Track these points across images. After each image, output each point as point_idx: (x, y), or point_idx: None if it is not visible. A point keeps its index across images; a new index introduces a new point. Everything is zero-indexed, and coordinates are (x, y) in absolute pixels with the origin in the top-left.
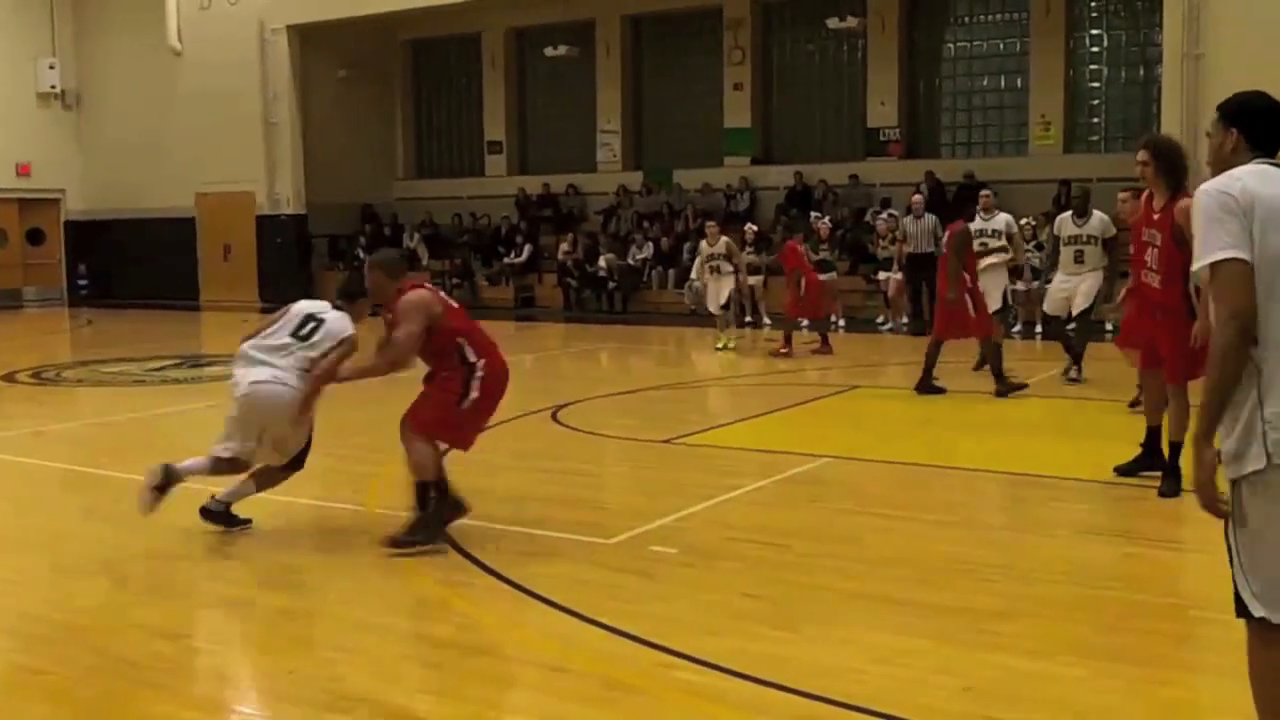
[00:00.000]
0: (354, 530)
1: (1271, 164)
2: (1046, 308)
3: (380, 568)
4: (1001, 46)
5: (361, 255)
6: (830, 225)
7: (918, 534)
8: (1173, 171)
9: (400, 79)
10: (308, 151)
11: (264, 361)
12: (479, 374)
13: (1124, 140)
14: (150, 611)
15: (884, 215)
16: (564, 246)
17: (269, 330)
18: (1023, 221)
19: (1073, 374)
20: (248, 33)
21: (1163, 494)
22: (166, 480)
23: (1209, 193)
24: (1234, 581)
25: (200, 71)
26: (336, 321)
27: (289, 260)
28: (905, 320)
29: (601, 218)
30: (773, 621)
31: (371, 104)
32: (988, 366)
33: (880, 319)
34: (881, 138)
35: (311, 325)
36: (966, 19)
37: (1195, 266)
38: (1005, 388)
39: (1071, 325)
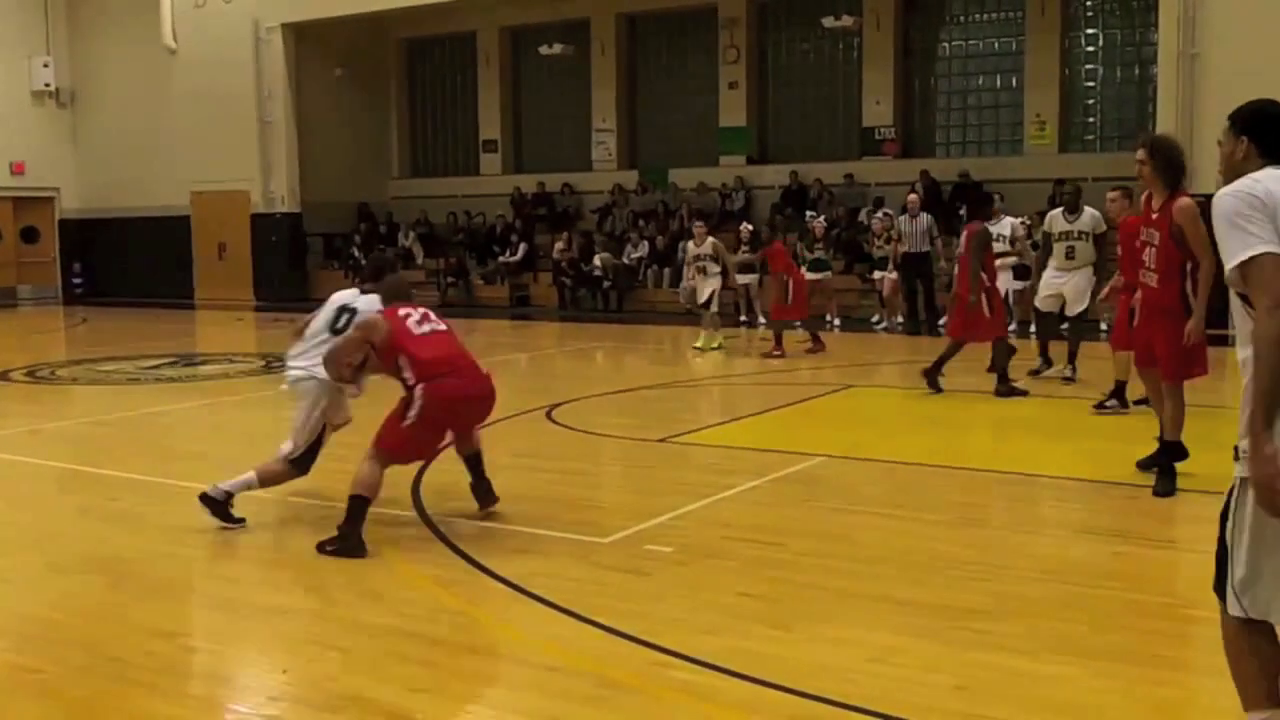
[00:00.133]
0: None
1: None
2: (1038, 304)
3: (374, 566)
4: (997, 45)
5: (356, 254)
6: (825, 224)
7: (912, 533)
8: (1170, 171)
9: (395, 77)
10: (303, 150)
11: (303, 353)
12: (417, 398)
13: (1119, 140)
14: (144, 610)
15: (879, 214)
16: (559, 245)
17: (310, 327)
18: (1017, 220)
19: (1067, 373)
20: (243, 31)
21: (1157, 493)
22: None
23: (1232, 195)
24: (1220, 569)
25: (195, 70)
26: (367, 305)
27: (284, 259)
28: (900, 319)
29: (597, 216)
30: (767, 620)
31: (366, 103)
32: (995, 364)
33: (875, 318)
34: (877, 137)
35: (345, 317)
36: (962, 18)
37: (1229, 268)
38: (1005, 389)
39: (1065, 325)
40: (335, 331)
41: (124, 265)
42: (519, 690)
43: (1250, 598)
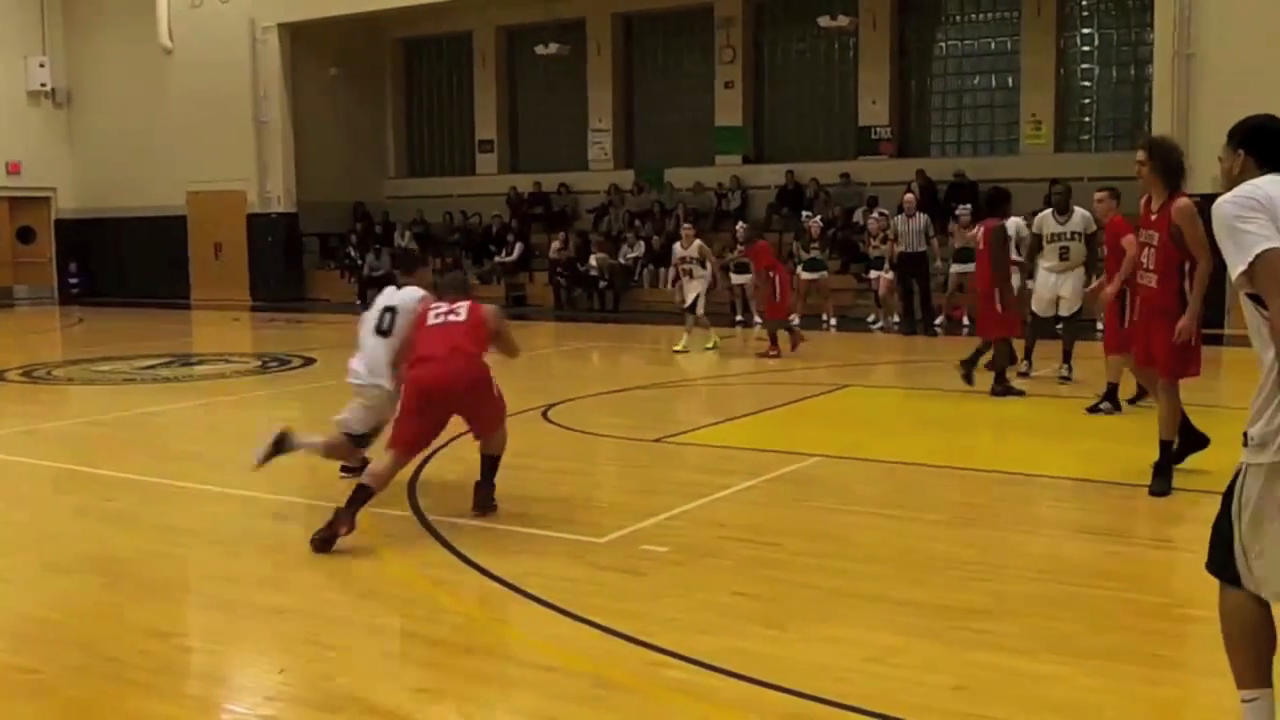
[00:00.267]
0: None
1: None
2: (1035, 307)
3: (370, 567)
4: (993, 45)
5: (352, 253)
6: (821, 224)
7: (908, 532)
8: (1169, 172)
9: (391, 77)
10: (299, 150)
11: (361, 359)
12: (402, 386)
13: (1115, 139)
14: (140, 610)
15: (875, 214)
16: (555, 245)
17: (360, 337)
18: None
19: (1063, 372)
20: (239, 31)
21: (1153, 492)
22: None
23: (1230, 200)
24: (1220, 545)
25: (191, 70)
26: (406, 299)
27: (280, 259)
28: (896, 319)
29: (593, 216)
30: (764, 620)
31: (362, 102)
32: (994, 363)
33: (871, 318)
34: (873, 136)
35: (388, 317)
36: (958, 17)
37: (1236, 272)
38: (1001, 389)
39: (1059, 325)
40: (381, 333)
41: (120, 265)
42: (516, 690)
43: (1252, 575)
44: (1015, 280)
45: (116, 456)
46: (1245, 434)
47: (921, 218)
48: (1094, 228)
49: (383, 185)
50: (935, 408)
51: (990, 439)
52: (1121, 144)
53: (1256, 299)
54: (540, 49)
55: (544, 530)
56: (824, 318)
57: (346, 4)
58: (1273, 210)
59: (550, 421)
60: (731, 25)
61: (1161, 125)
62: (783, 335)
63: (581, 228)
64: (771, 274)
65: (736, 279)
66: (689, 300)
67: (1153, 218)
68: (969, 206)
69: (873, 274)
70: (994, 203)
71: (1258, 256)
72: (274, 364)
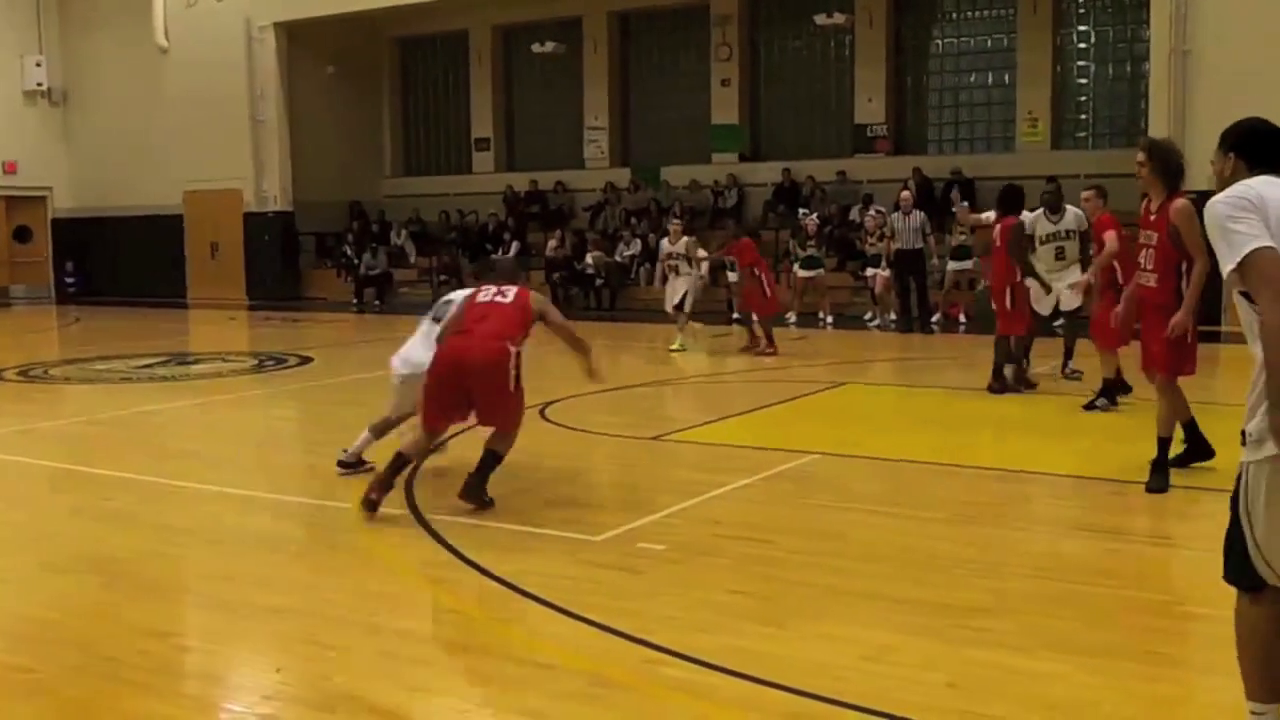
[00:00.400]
0: (341, 528)
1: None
2: (1037, 307)
3: (368, 565)
4: (989, 43)
5: (349, 252)
6: (818, 222)
7: (905, 530)
8: (1168, 172)
9: (387, 76)
10: (295, 149)
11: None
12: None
13: (1111, 137)
14: (137, 610)
15: (872, 212)
16: (552, 243)
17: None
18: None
19: (1073, 369)
20: (235, 30)
21: (1150, 489)
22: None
23: (1221, 201)
24: (1234, 552)
25: (187, 69)
26: (460, 294)
27: (276, 258)
28: (893, 317)
29: (589, 215)
30: (760, 618)
31: (359, 101)
32: (1013, 361)
33: (868, 315)
34: (869, 134)
35: (445, 307)
36: (954, 15)
37: (1226, 271)
38: (999, 386)
39: (1059, 322)
40: (436, 320)
41: (117, 264)
42: (513, 688)
43: (1274, 572)
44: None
45: (114, 456)
46: (1244, 431)
47: (918, 215)
48: (1086, 225)
49: (379, 184)
50: (933, 405)
51: (988, 436)
52: (1118, 141)
53: (1249, 296)
54: (536, 47)
55: (542, 528)
56: (821, 315)
57: (342, 3)
58: (1264, 210)
59: (547, 420)
60: (728, 23)
61: (1158, 122)
62: (760, 331)
63: (578, 226)
64: (756, 272)
65: (733, 276)
66: (677, 299)
67: (1152, 218)
68: (966, 204)
69: (869, 272)
70: (1009, 200)
71: (1247, 255)
72: (271, 363)
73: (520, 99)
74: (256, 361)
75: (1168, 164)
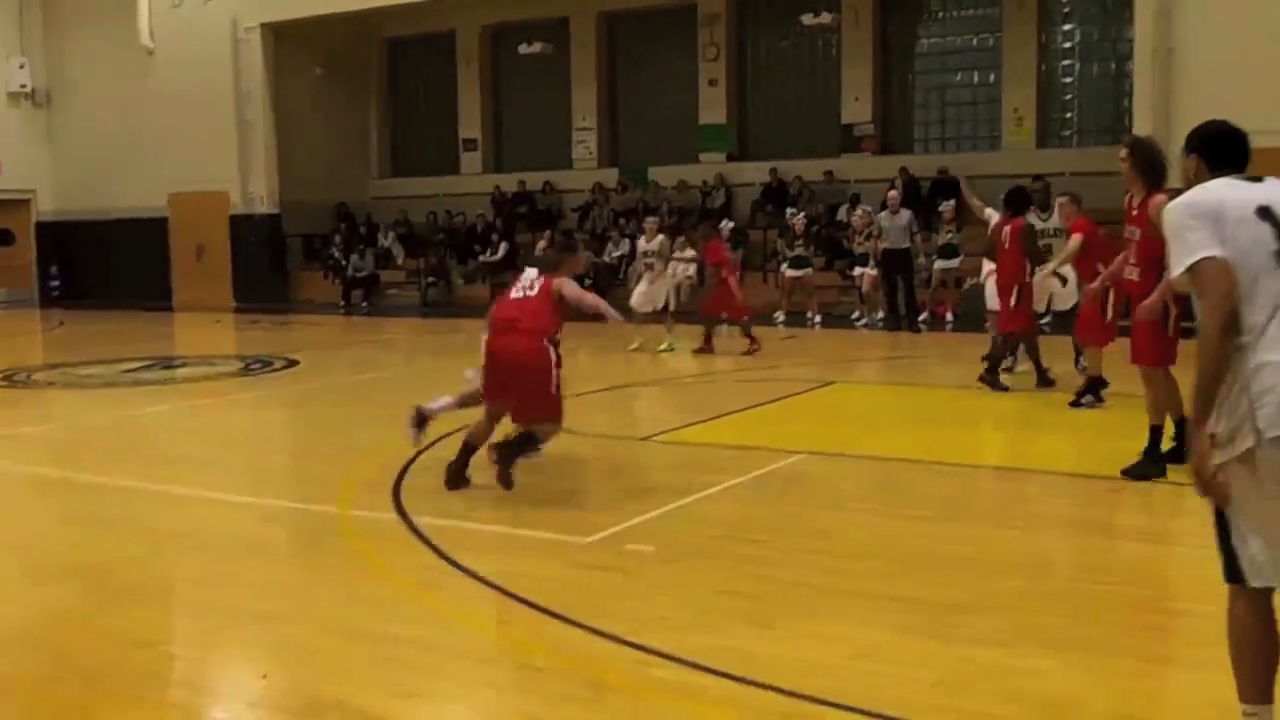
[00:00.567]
0: (327, 532)
1: (1241, 178)
2: (1059, 304)
3: (355, 569)
4: (974, 41)
5: (336, 254)
6: (805, 221)
7: (894, 529)
8: (1150, 169)
9: (375, 77)
10: (282, 150)
11: None
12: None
13: (1096, 134)
14: (123, 617)
15: (859, 211)
16: (540, 244)
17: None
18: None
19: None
20: (221, 31)
21: (1128, 473)
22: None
23: (1177, 206)
24: (1226, 553)
25: (173, 70)
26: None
27: (263, 260)
28: (881, 315)
29: (577, 215)
30: (751, 618)
31: (346, 102)
32: (1018, 359)
33: (855, 314)
34: (856, 133)
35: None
36: (940, 14)
37: (1175, 275)
38: (990, 380)
39: (1046, 319)
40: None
41: (102, 267)
42: (504, 692)
43: (1253, 568)
44: (986, 283)
45: (99, 461)
46: (1211, 435)
47: (905, 214)
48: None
49: (367, 185)
50: (921, 403)
51: (977, 434)
52: (1103, 139)
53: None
54: (524, 48)
55: (531, 530)
56: (809, 315)
57: (329, 3)
58: (1219, 215)
59: None
60: (715, 23)
61: (1142, 120)
62: (715, 331)
63: (566, 226)
64: (723, 272)
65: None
66: (660, 301)
67: (1134, 213)
68: (952, 202)
69: (857, 271)
70: (1017, 201)
71: (1195, 263)
72: (257, 365)
73: (508, 99)
74: (243, 365)
75: (1149, 161)
